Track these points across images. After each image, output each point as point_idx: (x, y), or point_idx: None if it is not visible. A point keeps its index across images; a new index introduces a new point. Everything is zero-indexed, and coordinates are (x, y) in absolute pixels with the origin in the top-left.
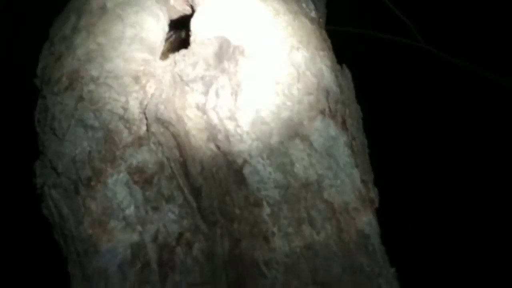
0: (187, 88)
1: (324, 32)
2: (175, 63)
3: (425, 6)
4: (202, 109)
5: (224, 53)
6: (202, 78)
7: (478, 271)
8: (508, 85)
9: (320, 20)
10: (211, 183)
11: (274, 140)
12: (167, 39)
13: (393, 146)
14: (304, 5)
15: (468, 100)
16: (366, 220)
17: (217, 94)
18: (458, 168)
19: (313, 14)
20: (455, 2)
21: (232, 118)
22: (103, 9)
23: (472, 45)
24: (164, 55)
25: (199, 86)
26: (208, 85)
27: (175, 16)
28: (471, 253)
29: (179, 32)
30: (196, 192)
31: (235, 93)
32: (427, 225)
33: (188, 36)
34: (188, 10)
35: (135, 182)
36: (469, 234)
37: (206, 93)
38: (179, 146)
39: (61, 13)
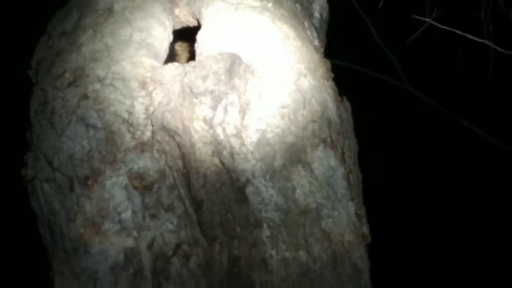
0: (195, 100)
1: (328, 62)
2: (185, 74)
3: (413, 48)
4: (209, 123)
5: (236, 70)
6: (212, 92)
7: None
8: (481, 134)
9: (321, 49)
10: (213, 198)
11: (278, 163)
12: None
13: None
14: (309, 33)
15: (440, 144)
16: (359, 255)
17: (225, 110)
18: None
19: (316, 42)
20: (443, 50)
21: (238, 136)
22: (110, 10)
23: (451, 91)
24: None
25: (208, 100)
26: (217, 100)
27: (178, 26)
28: None
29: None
30: (197, 205)
31: (243, 111)
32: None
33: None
34: (192, 22)
35: (135, 187)
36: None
37: (214, 107)
38: (183, 157)
39: (62, 8)
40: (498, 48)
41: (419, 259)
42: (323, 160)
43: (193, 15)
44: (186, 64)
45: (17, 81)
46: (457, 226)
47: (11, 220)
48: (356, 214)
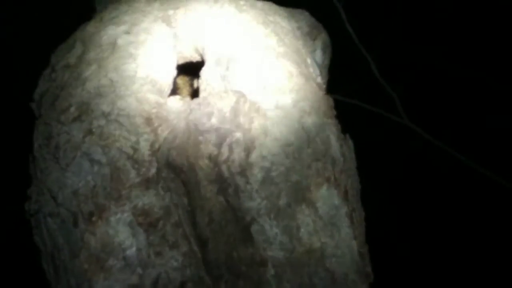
0: (200, 138)
1: (331, 99)
2: (190, 111)
3: (414, 84)
4: (214, 160)
5: (241, 108)
6: (217, 130)
7: None
8: (481, 170)
9: (324, 86)
10: (219, 237)
11: (282, 201)
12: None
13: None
14: (311, 70)
15: (439, 180)
16: None
17: (230, 148)
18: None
19: (319, 79)
20: (444, 87)
21: (243, 174)
22: (114, 45)
23: (453, 128)
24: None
25: (213, 137)
26: (222, 138)
27: (181, 61)
28: None
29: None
30: (203, 243)
31: (248, 149)
32: None
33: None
34: (195, 58)
35: (139, 224)
36: None
37: (219, 145)
38: (188, 194)
39: (66, 41)
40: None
41: None
42: (327, 199)
43: (197, 51)
44: (191, 101)
45: (19, 112)
46: (458, 264)
47: (15, 252)
48: (359, 253)
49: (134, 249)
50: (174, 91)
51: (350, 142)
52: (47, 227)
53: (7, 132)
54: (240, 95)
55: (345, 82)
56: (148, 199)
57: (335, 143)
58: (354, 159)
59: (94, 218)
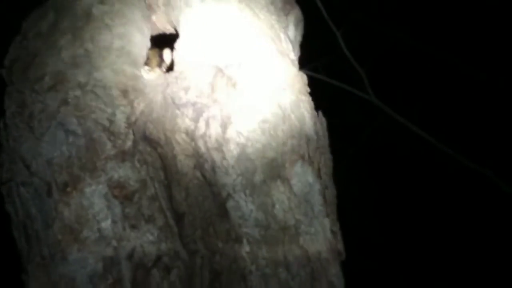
0: (177, 112)
1: (304, 76)
2: (168, 84)
3: (381, 60)
4: (191, 135)
5: (218, 83)
6: (194, 104)
7: None
8: (444, 149)
9: (296, 62)
10: (195, 212)
11: (258, 178)
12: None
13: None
14: (285, 46)
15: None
16: (335, 272)
17: (207, 123)
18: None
19: (292, 55)
20: (411, 62)
21: (219, 149)
22: (89, 14)
23: (419, 109)
24: None
25: (190, 112)
26: (199, 113)
27: (154, 33)
28: None
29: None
30: (179, 217)
31: (224, 125)
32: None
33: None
34: (169, 30)
35: (115, 196)
36: None
37: (196, 120)
38: (165, 168)
39: (38, 8)
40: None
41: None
42: (301, 176)
43: (171, 23)
44: (167, 75)
45: None
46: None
47: None
48: (331, 231)
49: (109, 221)
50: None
51: (323, 120)
52: (20, 196)
53: None
54: (218, 70)
55: (313, 58)
56: (124, 172)
57: (309, 120)
58: (327, 137)
59: (68, 189)
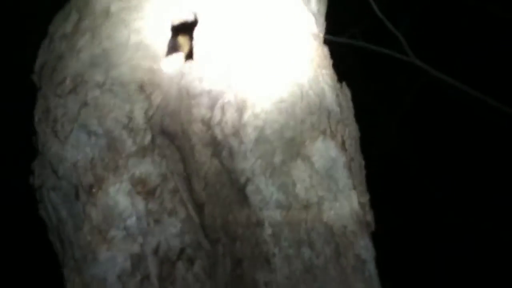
0: (192, 102)
1: (325, 49)
2: (182, 76)
3: (417, 21)
4: (207, 124)
5: (232, 68)
6: (209, 92)
7: None
8: (493, 103)
9: (320, 34)
10: (214, 200)
11: (277, 159)
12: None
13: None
14: (306, 19)
15: (452, 117)
16: (363, 244)
17: (222, 110)
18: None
19: (314, 28)
20: (448, 21)
21: (237, 135)
22: (107, 12)
23: (461, 64)
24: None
25: (205, 100)
26: (214, 100)
27: (176, 23)
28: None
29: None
30: (199, 208)
31: (240, 110)
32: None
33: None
34: (190, 18)
35: (138, 193)
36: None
37: (212, 108)
38: (183, 160)
39: (62, 9)
40: None
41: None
42: (323, 152)
43: (190, 10)
44: (183, 65)
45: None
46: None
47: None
48: (359, 203)
49: (134, 218)
50: (177, 49)
51: (347, 91)
52: (51, 201)
53: (13, 106)
54: (232, 55)
55: (347, 24)
56: (145, 167)
57: (330, 94)
58: (352, 108)
59: (94, 190)
